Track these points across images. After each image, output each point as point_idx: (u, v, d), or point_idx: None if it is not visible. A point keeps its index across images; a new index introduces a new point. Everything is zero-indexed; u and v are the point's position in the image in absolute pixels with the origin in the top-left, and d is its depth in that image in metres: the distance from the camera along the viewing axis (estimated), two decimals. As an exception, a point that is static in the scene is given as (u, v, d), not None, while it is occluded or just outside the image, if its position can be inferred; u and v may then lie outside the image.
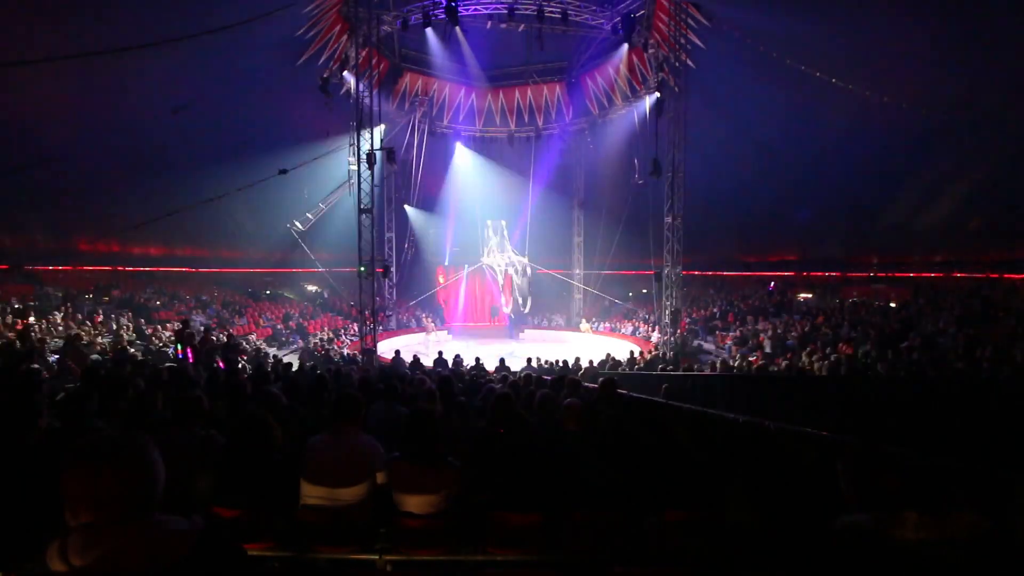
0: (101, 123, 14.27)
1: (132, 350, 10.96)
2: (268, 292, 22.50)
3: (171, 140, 14.67)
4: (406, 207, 23.91)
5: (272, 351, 15.92)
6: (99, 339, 12.02)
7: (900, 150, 16.59)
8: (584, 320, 24.10)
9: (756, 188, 19.10)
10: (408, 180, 23.16)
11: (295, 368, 9.49)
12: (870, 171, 17.40)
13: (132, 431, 1.30)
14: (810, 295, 19.25)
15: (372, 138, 14.62)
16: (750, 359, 13.09)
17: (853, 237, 18.57)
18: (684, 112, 15.06)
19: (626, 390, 6.29)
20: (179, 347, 10.44)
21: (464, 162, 24.05)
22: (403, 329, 23.08)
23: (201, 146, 16.18)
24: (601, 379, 5.37)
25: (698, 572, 2.16)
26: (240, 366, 9.37)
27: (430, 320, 23.45)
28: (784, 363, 12.21)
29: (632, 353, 14.69)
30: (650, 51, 17.66)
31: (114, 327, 13.46)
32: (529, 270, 22.16)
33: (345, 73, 18.03)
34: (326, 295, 23.76)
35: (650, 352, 15.50)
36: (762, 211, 19.67)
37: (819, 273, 21.27)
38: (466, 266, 25.58)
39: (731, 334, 17.10)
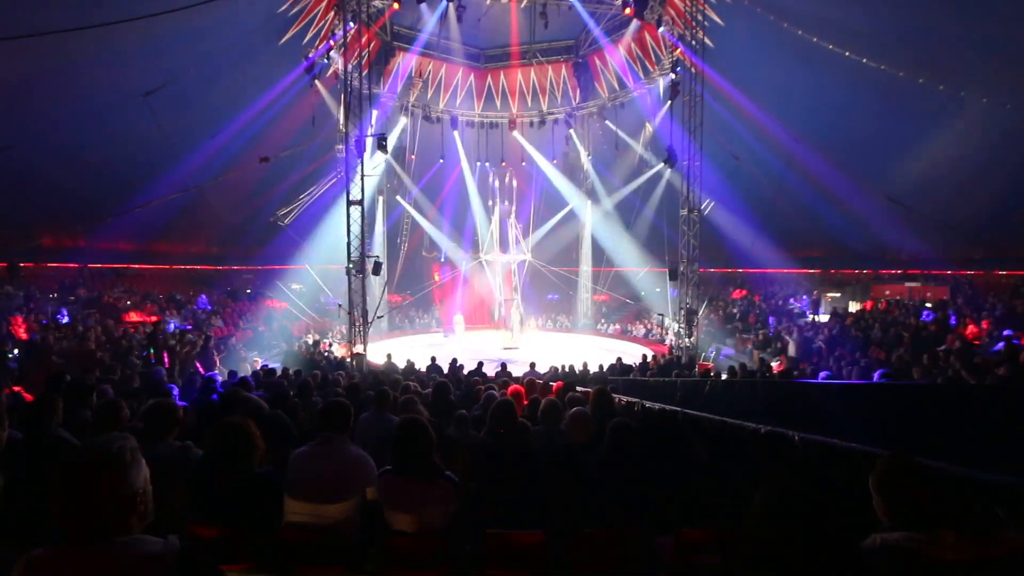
0: (64, 108, 14.27)
1: (100, 354, 10.97)
2: (249, 291, 22.51)
3: (142, 126, 14.67)
4: (398, 198, 23.93)
5: (253, 355, 15.93)
6: (64, 342, 12.04)
7: (940, 137, 16.55)
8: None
9: (782, 179, 19.06)
10: (401, 169, 23.19)
11: (278, 374, 9.49)
12: (907, 161, 17.36)
13: (118, 439, 1.29)
14: (838, 294, 19.23)
15: (362, 123, 14.63)
16: (773, 364, 13.08)
17: (886, 232, 18.53)
18: (701, 95, 15.03)
19: (638, 398, 6.28)
20: (151, 351, 10.47)
21: (462, 149, 24.05)
22: (396, 331, 23.11)
23: (175, 132, 16.19)
24: (594, 387, 5.37)
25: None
26: (218, 371, 9.38)
27: (456, 320, 23.56)
28: (810, 368, 12.19)
29: (644, 357, 14.68)
30: (664, 28, 17.63)
31: (80, 329, 13.48)
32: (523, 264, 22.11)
33: (332, 53, 18.04)
34: (329, 298, 23.78)
35: (663, 356, 15.49)
36: (789, 204, 19.63)
37: (848, 271, 21.24)
38: (464, 262, 25.62)
39: (752, 336, 17.07)
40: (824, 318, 16.96)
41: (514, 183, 23.40)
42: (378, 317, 20.84)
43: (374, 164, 21.25)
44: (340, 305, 21.78)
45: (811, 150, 17.84)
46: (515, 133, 23.60)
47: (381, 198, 23.25)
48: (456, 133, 23.56)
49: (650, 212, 21.43)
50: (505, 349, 21.03)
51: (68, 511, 1.13)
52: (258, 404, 4.34)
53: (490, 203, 23.43)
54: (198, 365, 11.17)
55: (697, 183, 15.27)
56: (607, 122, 22.04)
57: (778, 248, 20.18)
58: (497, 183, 22.90)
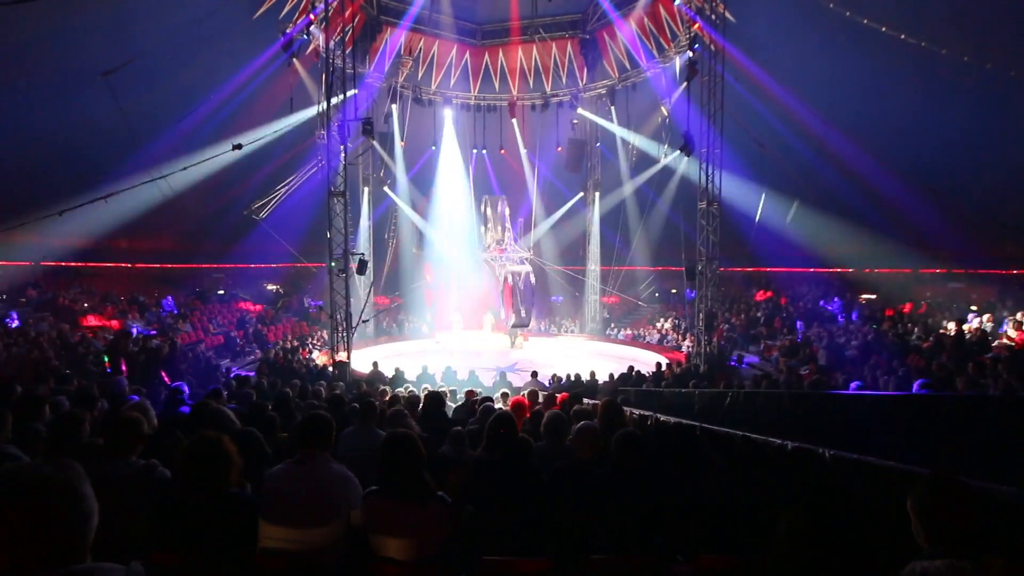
0: (11, 88, 14.28)
1: (55, 362, 10.97)
2: (220, 292, 22.52)
3: (102, 109, 14.68)
4: (386, 190, 23.93)
5: (225, 363, 15.92)
6: (13, 349, 12.04)
7: (993, 123, 16.56)
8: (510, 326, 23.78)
9: (813, 168, 19.08)
10: (389, 157, 23.19)
11: (252, 383, 9.49)
12: (951, 148, 17.39)
13: (59, 461, 1.30)
14: (873, 296, 19.23)
15: (345, 106, 14.64)
16: (801, 373, 13.08)
17: (928, 226, 18.55)
18: (721, 76, 15.03)
19: (651, 410, 6.29)
20: (106, 359, 10.46)
21: (457, 135, 24.07)
22: (383, 337, 23.11)
23: (138, 116, 16.20)
24: (602, 399, 5.36)
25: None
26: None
27: (452, 320, 23.64)
28: (842, 378, 12.19)
29: (659, 366, 14.68)
30: (681, 1, 17.64)
31: (32, 335, 13.48)
32: (529, 275, 22.06)
33: (312, 28, 18.04)
34: (309, 300, 23.77)
35: (680, 365, 15.49)
36: (820, 196, 19.66)
37: (885, 270, 21.24)
38: (459, 260, 25.63)
39: (778, 343, 17.08)
40: (858, 322, 16.95)
41: (515, 173, 23.34)
42: (363, 321, 20.86)
43: (359, 151, 21.29)
44: (321, 308, 21.89)
45: (844, 136, 17.84)
46: (514, 121, 23.65)
47: (367, 189, 23.27)
48: (449, 117, 23.59)
49: (664, 205, 21.46)
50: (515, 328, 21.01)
51: (4, 539, 1.14)
52: (231, 418, 4.34)
53: (485, 198, 23.43)
54: (163, 374, 11.17)
55: (717, 173, 15.28)
56: (612, 108, 22.05)
57: (806, 245, 20.19)
58: (496, 172, 22.84)
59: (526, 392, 7.60)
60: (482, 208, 23.23)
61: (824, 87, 17.97)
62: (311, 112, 17.96)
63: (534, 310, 23.49)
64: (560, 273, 24.56)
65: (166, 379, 10.54)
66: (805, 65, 17.84)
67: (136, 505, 2.57)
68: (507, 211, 22.39)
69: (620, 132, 22.06)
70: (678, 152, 17.31)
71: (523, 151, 24.51)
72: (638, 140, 21.18)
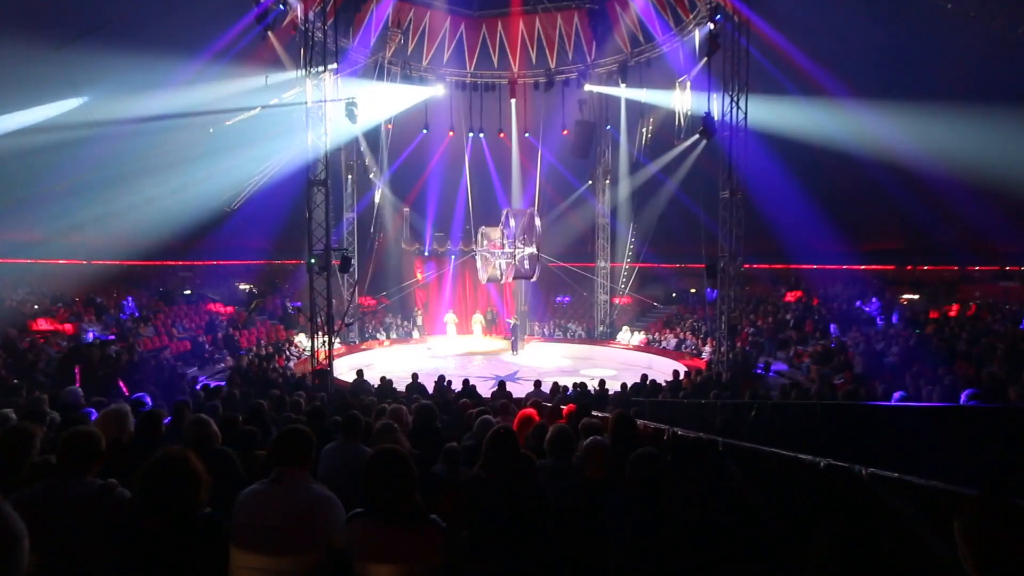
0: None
1: (1, 371, 10.98)
2: (187, 292, 22.53)
3: (56, 88, 14.69)
4: (372, 178, 23.95)
5: (192, 371, 15.92)
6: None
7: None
8: (626, 327, 23.97)
9: (847, 154, 19.08)
10: (375, 142, 23.20)
11: (223, 395, 9.49)
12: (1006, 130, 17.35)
13: None
14: (916, 296, 19.24)
15: (326, 85, 14.64)
16: (835, 382, 13.08)
17: (977, 219, 18.53)
18: (746, 50, 15.03)
19: (668, 424, 6.29)
20: (56, 366, 10.46)
21: (450, 117, 24.07)
22: (369, 342, 23.13)
23: (94, 97, 16.19)
24: (613, 412, 5.35)
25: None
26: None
27: (447, 319, 23.61)
28: (881, 387, 12.20)
29: (676, 374, 14.69)
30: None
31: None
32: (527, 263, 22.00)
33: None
34: (301, 303, 23.79)
35: (700, 373, 15.50)
36: (855, 185, 19.66)
37: (929, 267, 21.25)
38: (453, 257, 25.66)
39: (810, 348, 17.08)
40: (899, 325, 16.95)
41: (516, 159, 23.29)
42: (346, 325, 20.93)
43: (344, 136, 21.25)
44: (299, 309, 21.90)
45: (887, 119, 17.82)
46: (513, 102, 23.64)
47: (350, 177, 23.27)
48: (443, 97, 23.56)
49: (682, 195, 21.46)
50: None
51: None
52: (206, 432, 4.34)
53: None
54: (121, 384, 11.18)
55: (741, 159, 15.27)
56: (623, 85, 22.03)
57: (841, 239, 20.20)
58: (494, 157, 22.73)
59: (528, 403, 7.59)
60: (505, 220, 23.15)
61: (862, 63, 17.93)
62: (287, 87, 17.95)
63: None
64: (566, 271, 24.55)
65: (124, 390, 10.55)
66: (841, 38, 17.83)
67: (92, 530, 2.57)
68: (538, 222, 22.03)
69: (635, 94, 21.85)
70: (697, 136, 17.32)
71: (525, 134, 24.52)
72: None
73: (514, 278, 21.71)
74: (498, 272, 21.52)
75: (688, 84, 19.12)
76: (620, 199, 24.34)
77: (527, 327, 24.77)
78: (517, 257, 22.92)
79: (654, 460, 3.13)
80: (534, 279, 21.85)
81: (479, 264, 22.00)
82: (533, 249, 22.52)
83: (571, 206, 25.61)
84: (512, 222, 21.07)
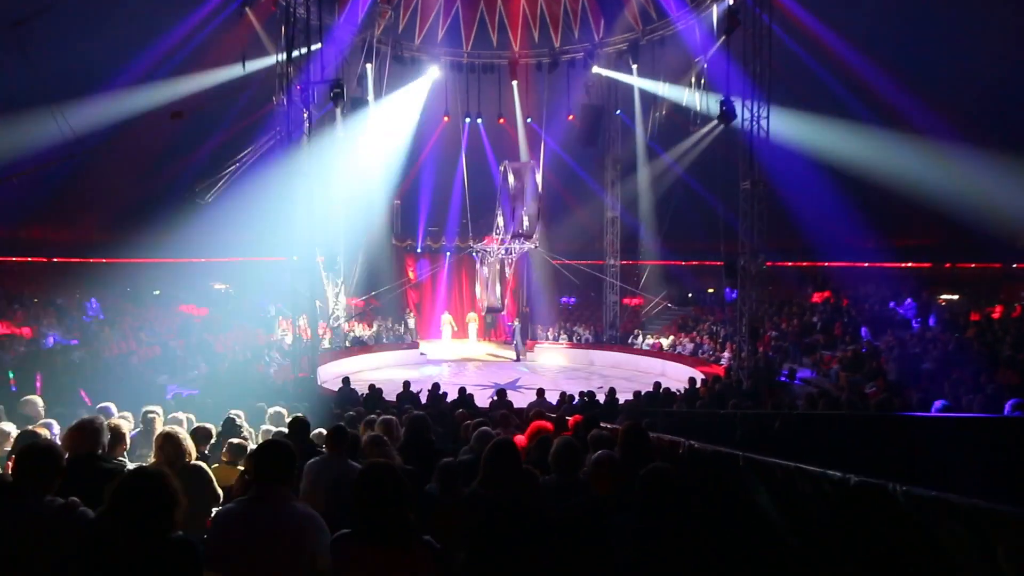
0: None
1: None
2: (157, 292, 22.52)
3: (9, 70, 14.66)
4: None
5: (162, 379, 15.90)
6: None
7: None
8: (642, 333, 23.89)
9: (880, 140, 19.06)
10: (363, 128, 23.19)
11: (196, 404, 9.49)
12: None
13: None
14: (955, 296, 19.22)
15: (310, 65, 14.64)
16: (867, 390, 13.08)
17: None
18: (769, 28, 15.02)
19: (684, 436, 6.28)
20: (11, 375, 10.47)
21: (444, 101, 24.07)
22: (356, 347, 23.09)
23: (55, 76, 16.17)
24: (624, 423, 5.35)
25: None
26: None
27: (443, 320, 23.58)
28: (917, 396, 12.19)
29: (692, 382, 14.68)
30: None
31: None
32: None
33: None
34: (265, 302, 23.79)
35: (718, 381, 15.49)
36: (888, 174, 19.62)
37: (969, 265, 21.22)
38: (448, 254, 25.66)
39: (838, 353, 17.07)
40: (937, 328, 16.93)
41: (517, 147, 23.26)
42: (332, 328, 20.94)
43: (327, 122, 21.24)
44: (280, 311, 21.89)
45: (921, 103, 17.80)
46: (514, 84, 23.64)
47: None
48: (437, 79, 23.56)
49: (699, 185, 21.45)
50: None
51: None
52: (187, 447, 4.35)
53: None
54: (82, 394, 11.18)
55: (763, 147, 15.27)
56: (634, 66, 22.03)
57: (874, 233, 20.18)
58: (494, 145, 22.64)
59: (531, 414, 7.59)
60: (502, 175, 22.99)
61: (895, 43, 17.92)
62: (268, 72, 17.96)
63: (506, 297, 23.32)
64: (571, 269, 24.53)
65: (86, 399, 10.55)
66: (871, 15, 17.82)
67: (51, 553, 2.56)
68: (539, 178, 22.03)
69: (646, 85, 21.86)
70: (715, 122, 17.31)
71: (527, 120, 24.52)
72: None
73: (512, 237, 21.75)
74: (498, 302, 21.67)
75: (705, 65, 19.11)
76: (631, 191, 24.31)
77: (530, 331, 24.72)
78: (516, 254, 22.96)
79: (666, 476, 3.13)
80: (534, 240, 21.95)
81: (479, 279, 22.10)
82: (532, 245, 22.56)
83: (577, 198, 25.58)
84: (511, 178, 21.11)
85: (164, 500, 2.47)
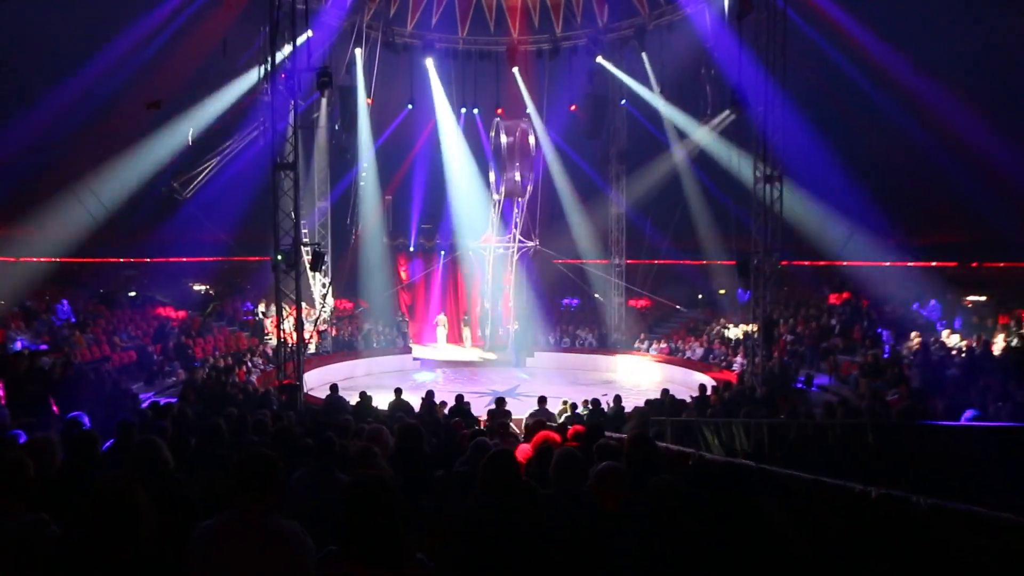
0: None
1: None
2: (132, 294, 22.50)
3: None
4: (348, 157, 23.91)
5: (137, 387, 15.89)
6: None
7: None
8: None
9: (903, 133, 19.06)
10: (352, 119, 23.17)
11: (174, 414, 9.47)
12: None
13: None
14: (983, 298, 19.21)
15: (296, 53, 14.62)
16: (888, 398, 13.08)
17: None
18: (783, 13, 15.03)
19: (694, 447, 6.29)
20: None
21: (439, 91, 24.07)
22: (344, 352, 23.08)
23: (23, 64, 16.19)
24: (630, 432, 5.34)
25: None
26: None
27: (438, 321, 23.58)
28: (942, 404, 12.20)
29: (703, 389, 14.68)
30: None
31: None
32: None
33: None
34: (247, 304, 23.77)
35: (730, 387, 15.49)
36: (912, 169, 19.66)
37: (997, 264, 21.20)
38: (442, 253, 25.64)
39: (858, 359, 17.07)
40: (962, 334, 16.93)
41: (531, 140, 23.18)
42: (319, 332, 20.93)
43: (313, 112, 21.27)
44: (263, 314, 21.89)
45: (947, 93, 17.80)
46: (515, 71, 23.64)
47: (323, 161, 23.28)
48: (431, 67, 23.56)
49: (709, 180, 21.48)
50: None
51: None
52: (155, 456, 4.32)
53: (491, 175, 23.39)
54: (52, 402, 11.15)
55: (778, 140, 15.27)
56: (644, 55, 22.03)
57: (895, 231, 20.18)
58: (504, 139, 22.62)
59: (530, 423, 7.59)
60: (492, 136, 22.89)
61: (922, 29, 17.92)
62: (250, 60, 17.96)
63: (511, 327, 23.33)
64: (574, 269, 24.53)
65: (55, 408, 10.52)
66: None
67: (16, 572, 2.55)
68: (532, 139, 22.04)
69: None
70: (726, 112, 17.31)
71: (527, 112, 24.51)
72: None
73: (505, 195, 21.83)
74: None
75: (715, 52, 19.13)
76: (637, 185, 24.30)
77: (530, 334, 24.67)
78: (517, 253, 22.98)
79: (674, 490, 3.12)
80: (526, 197, 22.03)
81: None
82: (534, 243, 22.59)
83: (581, 194, 25.57)
84: (503, 137, 21.23)
85: (132, 515, 2.46)
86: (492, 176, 22.70)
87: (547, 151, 24.25)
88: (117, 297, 21.45)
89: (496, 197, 22.87)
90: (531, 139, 21.29)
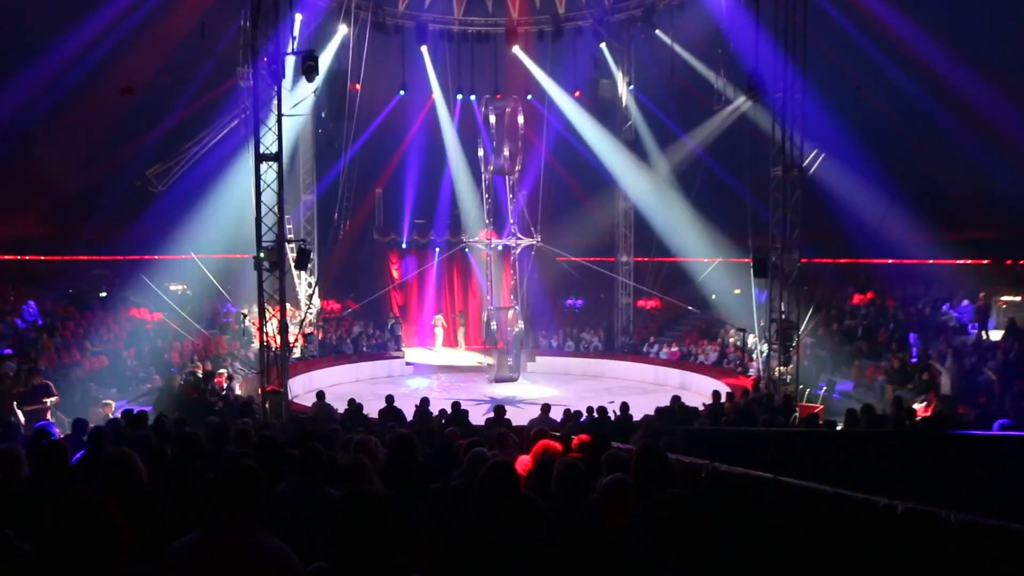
0: None
1: None
2: (103, 294, 22.50)
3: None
4: (336, 147, 23.90)
5: (109, 394, 15.88)
6: None
7: None
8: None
9: (931, 121, 19.05)
10: (340, 106, 23.15)
11: (149, 423, 9.48)
12: None
13: None
14: (1019, 298, 19.22)
15: (279, 35, 14.61)
16: (916, 406, 13.08)
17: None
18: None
19: (707, 458, 6.29)
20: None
21: (434, 75, 24.07)
22: (331, 357, 23.09)
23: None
24: (639, 442, 5.34)
25: None
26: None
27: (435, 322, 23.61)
28: (974, 413, 12.21)
29: (717, 396, 14.68)
30: None
31: None
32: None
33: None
34: (228, 305, 23.76)
35: (746, 394, 15.49)
36: (940, 160, 19.64)
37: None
38: (437, 250, 25.62)
39: (883, 364, 17.07)
40: (997, 334, 16.93)
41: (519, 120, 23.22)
42: (305, 335, 20.90)
43: (298, 98, 21.21)
44: (245, 315, 21.85)
45: (978, 77, 17.79)
46: (516, 49, 23.62)
47: (309, 151, 23.27)
48: (425, 50, 23.54)
49: (724, 171, 21.44)
50: (495, 382, 21.08)
51: None
52: (128, 469, 4.33)
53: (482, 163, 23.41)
54: (16, 410, 11.16)
55: (798, 127, 15.27)
56: (658, 32, 22.01)
57: (924, 227, 20.16)
58: (492, 118, 22.66)
59: (532, 432, 7.58)
60: (483, 114, 22.93)
61: (953, 9, 17.94)
62: (230, 42, 17.95)
63: (525, 355, 23.36)
64: (578, 267, 24.50)
65: (20, 417, 10.55)
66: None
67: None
68: (521, 119, 22.21)
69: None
70: (742, 99, 17.30)
71: (528, 96, 24.49)
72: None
73: (494, 172, 22.41)
74: (509, 370, 21.86)
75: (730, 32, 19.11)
76: (646, 177, 24.26)
77: (531, 337, 24.66)
78: (518, 249, 22.96)
79: (686, 504, 3.12)
80: (515, 174, 22.16)
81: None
82: (535, 239, 22.57)
83: (586, 187, 25.54)
84: (492, 118, 21.49)
85: (106, 533, 2.46)
86: (481, 151, 22.90)
87: (549, 139, 24.24)
88: (87, 298, 21.46)
89: (486, 175, 23.00)
90: (520, 118, 21.51)
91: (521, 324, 23.25)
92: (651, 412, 13.42)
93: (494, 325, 22.85)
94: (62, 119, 17.38)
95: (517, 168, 22.13)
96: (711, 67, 20.32)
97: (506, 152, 21.49)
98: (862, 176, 19.37)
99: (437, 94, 24.35)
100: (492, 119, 22.25)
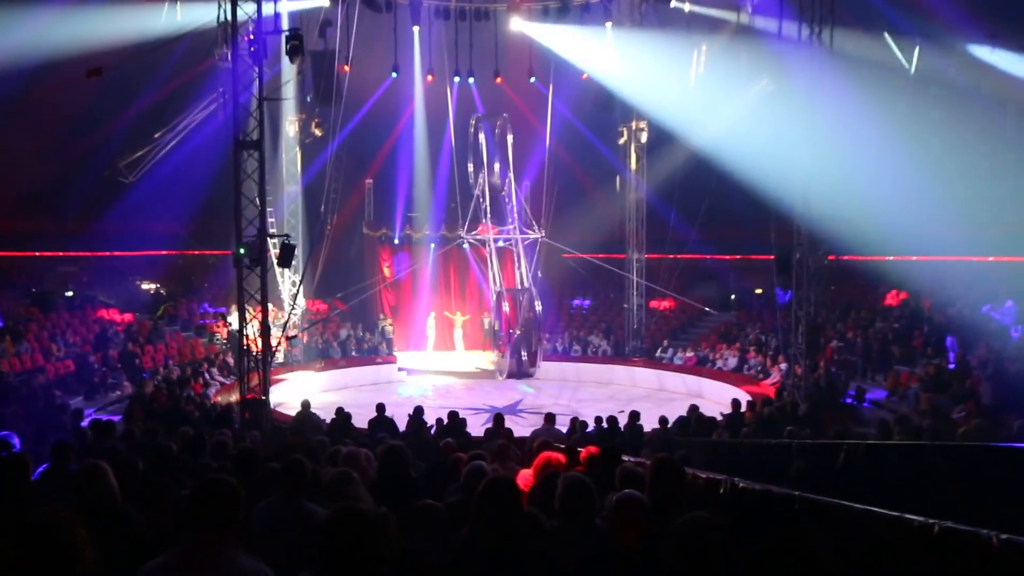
0: None
1: None
2: (69, 294, 22.54)
3: None
4: (319, 134, 23.90)
5: (76, 402, 15.90)
6: None
7: None
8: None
9: (969, 101, 19.04)
10: (327, 91, 23.16)
11: (118, 433, 9.47)
12: None
13: None
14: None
15: (260, 11, 14.62)
16: (954, 416, 13.07)
17: None
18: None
19: (726, 472, 6.29)
20: None
21: (428, 57, 24.06)
22: (318, 361, 23.10)
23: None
24: (652, 456, 5.33)
25: None
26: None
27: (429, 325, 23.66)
28: (1017, 424, 12.18)
29: (736, 405, 14.68)
30: None
31: None
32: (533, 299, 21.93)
33: None
34: (205, 306, 23.80)
35: (768, 403, 15.49)
36: (981, 146, 19.63)
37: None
38: (432, 246, 25.61)
39: (918, 370, 17.06)
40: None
41: (518, 114, 23.30)
42: (288, 338, 20.91)
43: (281, 81, 21.23)
44: (224, 317, 21.90)
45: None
46: (516, 18, 23.56)
47: (293, 138, 23.29)
48: (416, 31, 23.51)
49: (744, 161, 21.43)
50: (511, 377, 21.12)
51: None
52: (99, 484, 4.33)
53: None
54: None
55: (826, 112, 15.25)
56: (674, 3, 21.93)
57: (963, 220, 20.15)
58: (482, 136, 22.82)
59: (535, 444, 7.58)
60: (471, 132, 23.07)
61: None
62: (206, 18, 17.94)
63: (540, 347, 23.37)
64: (586, 265, 24.51)
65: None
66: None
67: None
68: (510, 138, 22.42)
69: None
70: (764, 82, 17.28)
71: (531, 79, 24.49)
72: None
73: (484, 189, 22.91)
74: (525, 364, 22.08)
75: (750, 8, 19.09)
76: (659, 167, 24.24)
77: (535, 340, 24.63)
78: (522, 245, 22.97)
79: (707, 527, 3.10)
80: (541, 230, 22.36)
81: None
82: (539, 234, 22.58)
83: (593, 177, 25.53)
84: (481, 136, 22.68)
85: (64, 549, 2.45)
86: (471, 167, 23.16)
87: (555, 125, 24.21)
88: (52, 298, 21.49)
89: (476, 192, 23.21)
90: (509, 137, 21.92)
91: (539, 307, 23.09)
92: (663, 422, 13.43)
93: (497, 325, 22.89)
94: (23, 102, 17.36)
95: (508, 183, 22.56)
96: (731, 47, 20.30)
97: (496, 168, 21.77)
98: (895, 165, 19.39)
99: (432, 76, 24.30)
100: (482, 137, 22.46)
